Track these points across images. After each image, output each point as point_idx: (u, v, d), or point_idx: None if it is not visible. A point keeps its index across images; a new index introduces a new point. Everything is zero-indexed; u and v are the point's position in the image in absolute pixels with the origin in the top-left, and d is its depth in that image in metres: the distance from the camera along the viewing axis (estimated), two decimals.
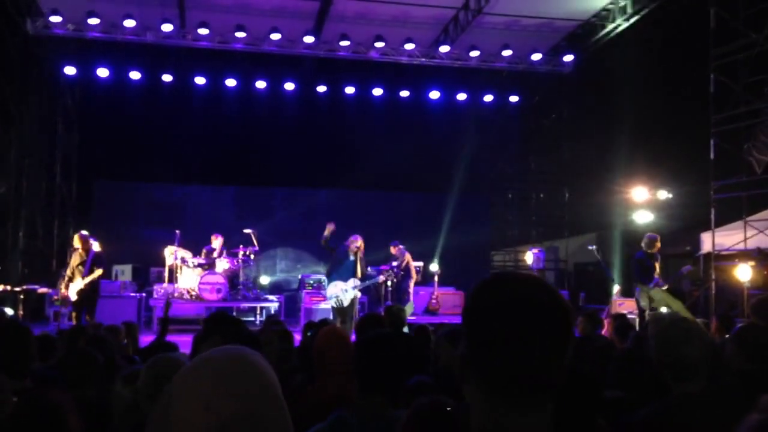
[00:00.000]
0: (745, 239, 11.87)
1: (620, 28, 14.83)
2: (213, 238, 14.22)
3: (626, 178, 15.37)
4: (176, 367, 2.37)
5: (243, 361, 1.16)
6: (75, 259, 10.33)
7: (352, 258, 11.02)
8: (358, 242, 11.12)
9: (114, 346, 4.11)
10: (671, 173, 14.66)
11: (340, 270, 11.01)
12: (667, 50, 13.99)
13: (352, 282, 10.98)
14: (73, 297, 10.17)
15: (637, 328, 10.59)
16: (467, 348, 1.28)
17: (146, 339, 9.04)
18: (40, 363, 4.12)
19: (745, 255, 12.05)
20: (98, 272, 10.38)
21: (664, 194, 15.06)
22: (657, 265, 10.83)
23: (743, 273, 11.80)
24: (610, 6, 14.69)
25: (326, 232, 11.03)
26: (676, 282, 12.51)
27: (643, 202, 15.37)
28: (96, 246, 10.63)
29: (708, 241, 12.59)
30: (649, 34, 14.34)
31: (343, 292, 10.97)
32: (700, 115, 12.50)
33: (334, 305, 10.99)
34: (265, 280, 16.69)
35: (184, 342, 6.69)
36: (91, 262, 10.25)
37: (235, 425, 1.08)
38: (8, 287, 12.92)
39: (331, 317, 11.04)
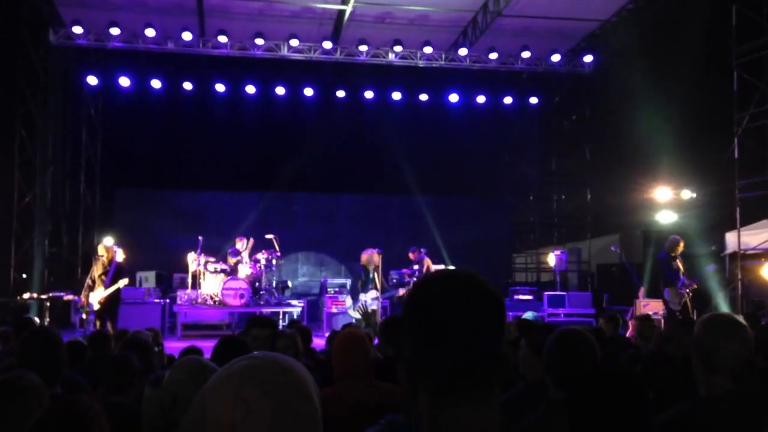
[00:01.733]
0: None
1: (640, 27, 14.71)
2: (237, 240, 14.31)
3: (649, 178, 15.21)
4: (202, 368, 2.38)
5: (274, 360, 1.17)
6: (98, 269, 10.38)
7: (371, 275, 11.09)
8: (372, 256, 11.15)
9: (152, 350, 4.15)
10: (695, 172, 14.48)
11: (366, 287, 11.11)
12: (689, 48, 13.84)
13: (373, 293, 11.01)
14: (95, 306, 10.23)
15: (663, 328, 10.51)
16: (409, 348, 1.29)
17: (170, 345, 9.10)
18: (70, 369, 4.16)
19: None
20: (123, 282, 10.47)
21: (687, 194, 14.88)
22: (681, 265, 10.74)
23: None
24: (630, 6, 14.59)
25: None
26: (703, 281, 12.36)
27: (666, 202, 15.20)
28: (120, 255, 10.68)
29: (733, 241, 12.42)
30: (670, 32, 14.20)
31: (364, 303, 11.05)
32: (723, 114, 12.35)
33: (359, 311, 11.07)
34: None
35: (208, 347, 6.70)
36: (113, 273, 10.31)
37: (263, 415, 1.08)
38: (34, 295, 13.08)
39: (354, 322, 11.10)
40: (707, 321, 2.75)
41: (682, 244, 10.81)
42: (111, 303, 10.36)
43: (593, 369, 2.78)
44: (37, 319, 10.87)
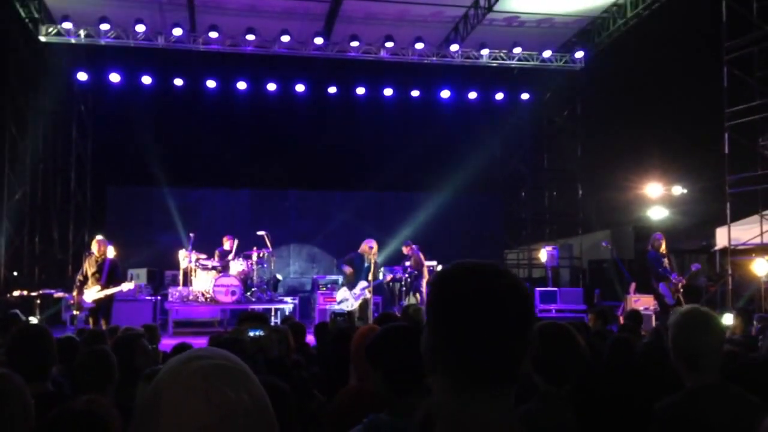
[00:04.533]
0: (762, 233, 11.76)
1: (631, 23, 14.75)
2: (225, 239, 14.27)
3: (640, 174, 15.28)
4: None
5: (230, 358, 1.15)
6: (90, 266, 10.30)
7: (367, 264, 11.12)
8: (371, 244, 11.23)
9: (144, 348, 4.10)
10: (686, 168, 14.56)
11: (359, 276, 11.14)
12: (680, 44, 13.90)
13: (362, 284, 11.06)
14: (90, 303, 10.17)
15: (654, 323, 10.58)
16: (433, 340, 1.28)
17: (162, 342, 9.07)
18: (62, 366, 4.13)
19: (761, 249, 11.94)
20: (127, 286, 10.45)
21: (678, 190, 14.96)
22: (670, 263, 10.82)
23: (760, 267, 11.70)
24: (620, 1, 14.61)
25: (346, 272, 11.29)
26: (692, 278, 12.43)
27: (657, 198, 15.28)
28: (111, 252, 10.62)
29: (723, 236, 12.49)
30: (661, 28, 14.25)
31: (353, 295, 11.09)
32: (714, 109, 12.41)
33: (346, 308, 11.11)
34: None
35: (199, 344, 6.70)
36: (108, 271, 10.24)
37: (232, 417, 1.07)
38: (25, 292, 13.01)
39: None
40: (682, 322, 2.74)
41: (663, 240, 10.93)
42: (107, 302, 10.32)
43: (579, 361, 2.81)
44: (32, 319, 10.86)
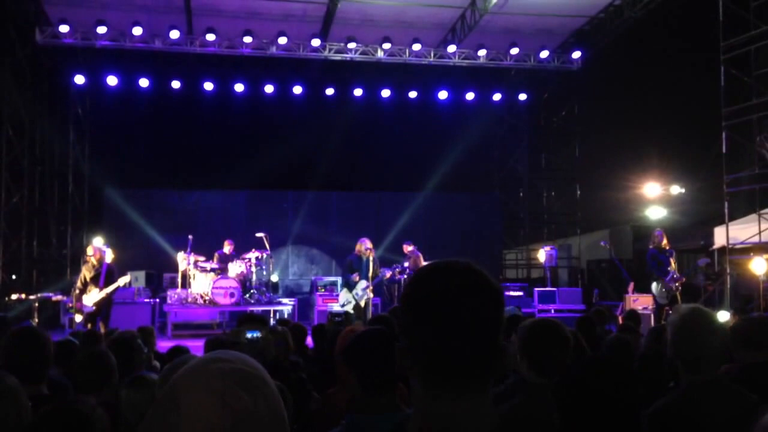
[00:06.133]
0: (760, 232, 11.77)
1: (628, 23, 14.76)
2: (225, 243, 14.25)
3: (638, 173, 15.29)
4: None
5: (252, 365, 1.16)
6: (88, 271, 10.29)
7: (364, 261, 11.14)
8: (366, 244, 11.25)
9: (140, 350, 4.10)
10: (684, 168, 14.58)
11: (360, 277, 11.16)
12: (677, 44, 13.91)
13: (363, 284, 11.08)
14: (91, 308, 10.16)
15: (653, 323, 10.57)
16: (404, 339, 1.30)
17: (160, 344, 9.06)
18: (60, 369, 4.12)
19: (759, 248, 11.95)
20: (124, 280, 10.44)
21: (676, 189, 14.97)
22: (672, 261, 10.78)
23: (758, 266, 11.70)
24: (617, 2, 14.62)
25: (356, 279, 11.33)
26: (692, 276, 12.43)
27: (655, 198, 15.29)
28: (109, 256, 10.61)
29: (722, 235, 12.49)
30: (658, 28, 14.27)
31: (355, 295, 11.10)
32: (711, 109, 12.42)
33: (350, 310, 11.15)
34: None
35: (197, 347, 6.70)
36: (105, 275, 10.23)
37: (247, 421, 1.08)
38: (23, 295, 13.00)
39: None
40: (683, 322, 2.73)
41: (665, 237, 10.91)
42: (106, 305, 10.31)
43: (567, 355, 2.84)
44: (31, 322, 10.82)
